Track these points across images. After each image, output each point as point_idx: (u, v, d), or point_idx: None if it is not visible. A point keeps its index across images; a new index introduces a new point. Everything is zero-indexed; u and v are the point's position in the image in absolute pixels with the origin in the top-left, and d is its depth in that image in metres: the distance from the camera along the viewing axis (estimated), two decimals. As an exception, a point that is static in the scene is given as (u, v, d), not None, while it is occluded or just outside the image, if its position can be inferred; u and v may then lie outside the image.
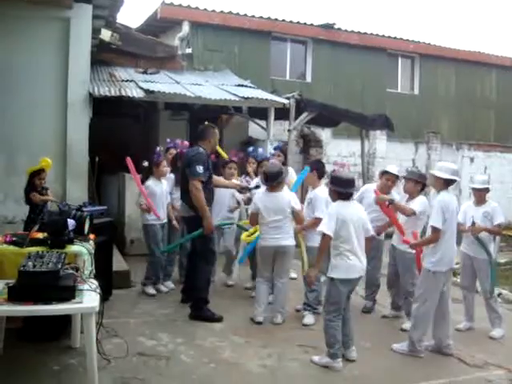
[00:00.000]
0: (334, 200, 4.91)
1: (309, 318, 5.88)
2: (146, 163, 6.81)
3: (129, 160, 6.74)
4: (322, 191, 5.88)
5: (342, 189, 4.77)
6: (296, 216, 5.79)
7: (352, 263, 4.70)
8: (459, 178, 5.27)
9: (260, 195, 5.86)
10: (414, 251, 5.45)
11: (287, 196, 5.80)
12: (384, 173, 6.35)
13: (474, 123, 16.29)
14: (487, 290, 5.80)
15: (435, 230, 4.91)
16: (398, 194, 6.27)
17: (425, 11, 45.66)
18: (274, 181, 5.66)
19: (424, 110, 15.41)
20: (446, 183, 5.05)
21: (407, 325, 5.58)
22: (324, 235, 4.70)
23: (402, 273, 5.85)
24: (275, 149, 7.48)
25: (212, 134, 5.94)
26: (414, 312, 5.12)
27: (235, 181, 6.85)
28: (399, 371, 4.71)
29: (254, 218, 5.85)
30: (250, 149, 7.65)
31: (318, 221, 5.47)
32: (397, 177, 6.24)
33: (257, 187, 6.34)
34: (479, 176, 6.29)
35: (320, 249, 4.80)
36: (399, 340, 5.23)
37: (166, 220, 6.75)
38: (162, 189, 6.69)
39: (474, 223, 5.75)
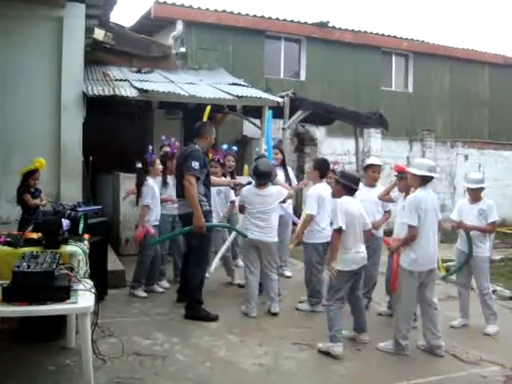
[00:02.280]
0: (336, 195, 5.18)
1: (302, 305, 6.24)
2: (139, 164, 6.75)
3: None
4: (314, 189, 6.20)
5: (353, 185, 5.09)
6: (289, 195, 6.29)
7: (353, 256, 4.97)
8: (437, 175, 5.17)
9: (249, 190, 5.99)
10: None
11: (274, 191, 6.05)
12: (368, 166, 6.48)
13: (468, 121, 16.34)
14: (482, 286, 5.83)
15: (410, 227, 4.87)
16: (382, 186, 6.41)
17: (419, 9, 45.77)
18: (265, 179, 5.92)
19: (418, 108, 15.45)
20: (424, 180, 4.95)
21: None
22: (338, 231, 4.92)
23: None
24: (273, 147, 7.48)
25: (208, 131, 5.95)
26: (395, 313, 5.16)
27: (228, 178, 6.90)
28: (395, 368, 4.71)
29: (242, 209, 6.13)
30: (225, 146, 7.65)
31: (309, 217, 6.04)
32: (380, 167, 6.52)
33: (249, 183, 6.42)
34: (473, 174, 6.16)
35: (334, 243, 4.99)
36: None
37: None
38: (159, 188, 6.71)
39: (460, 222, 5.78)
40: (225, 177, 7.21)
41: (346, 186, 5.09)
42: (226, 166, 7.38)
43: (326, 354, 4.84)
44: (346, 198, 5.07)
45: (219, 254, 7.05)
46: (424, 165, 5.02)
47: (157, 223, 6.56)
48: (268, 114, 7.28)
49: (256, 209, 5.89)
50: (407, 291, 4.97)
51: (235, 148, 7.78)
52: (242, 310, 5.99)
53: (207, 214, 5.77)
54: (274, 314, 5.93)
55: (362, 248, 5.07)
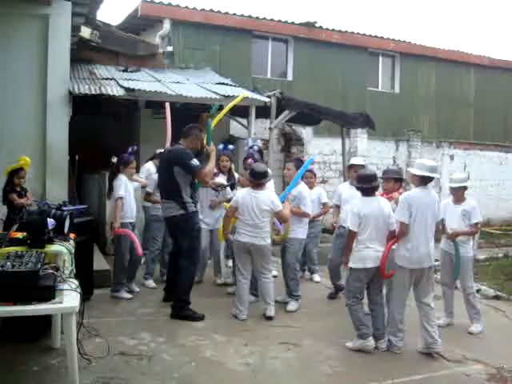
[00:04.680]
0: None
1: (292, 305, 6.25)
2: (114, 159, 6.62)
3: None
4: (305, 188, 6.44)
5: (361, 184, 5.21)
6: (279, 215, 5.94)
7: (367, 253, 5.04)
8: (437, 175, 5.27)
9: (243, 192, 5.88)
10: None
11: (269, 196, 5.88)
12: (351, 166, 6.84)
13: (454, 121, 16.46)
14: (466, 286, 5.88)
15: (401, 224, 5.01)
16: None
17: (406, 10, 46.02)
18: (260, 179, 5.81)
19: (404, 109, 15.53)
20: (423, 180, 5.06)
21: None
22: (350, 231, 5.16)
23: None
24: (251, 147, 7.39)
25: (196, 136, 5.94)
26: (387, 309, 5.27)
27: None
28: (380, 367, 4.74)
29: (233, 212, 5.92)
30: (221, 146, 7.57)
31: (305, 214, 6.31)
32: (363, 166, 6.67)
33: (233, 184, 6.46)
34: (456, 174, 6.25)
35: (347, 243, 5.28)
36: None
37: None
38: (133, 188, 6.65)
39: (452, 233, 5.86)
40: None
41: (359, 188, 5.28)
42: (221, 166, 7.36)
43: (358, 351, 5.03)
44: (359, 200, 5.23)
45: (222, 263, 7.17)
46: (425, 165, 5.10)
47: (131, 220, 6.49)
48: None
49: (247, 211, 5.76)
50: (397, 288, 5.15)
51: (231, 147, 7.68)
52: (232, 313, 5.92)
53: (194, 215, 5.79)
54: (269, 318, 5.85)
55: (379, 247, 5.07)
